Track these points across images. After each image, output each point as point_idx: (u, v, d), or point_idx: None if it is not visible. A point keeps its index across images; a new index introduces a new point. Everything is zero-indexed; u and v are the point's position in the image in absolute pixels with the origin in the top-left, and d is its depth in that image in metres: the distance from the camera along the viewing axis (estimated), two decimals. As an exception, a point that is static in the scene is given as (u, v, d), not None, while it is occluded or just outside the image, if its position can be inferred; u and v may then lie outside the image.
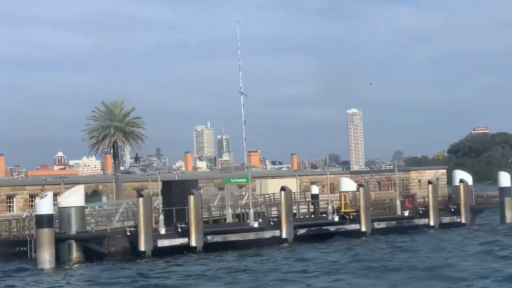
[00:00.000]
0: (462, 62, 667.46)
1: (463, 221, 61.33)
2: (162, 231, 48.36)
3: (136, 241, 46.41)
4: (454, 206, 62.06)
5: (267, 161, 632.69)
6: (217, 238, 49.67)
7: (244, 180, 59.30)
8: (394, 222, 58.20)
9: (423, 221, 59.57)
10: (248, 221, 52.61)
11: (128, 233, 46.88)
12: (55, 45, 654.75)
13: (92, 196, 75.33)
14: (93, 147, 73.80)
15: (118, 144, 74.12)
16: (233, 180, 58.85)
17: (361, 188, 56.42)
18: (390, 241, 51.51)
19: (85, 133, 73.85)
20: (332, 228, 54.92)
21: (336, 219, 55.98)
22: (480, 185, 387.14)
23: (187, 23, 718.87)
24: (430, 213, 59.72)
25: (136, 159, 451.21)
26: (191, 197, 48.91)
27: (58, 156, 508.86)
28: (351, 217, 56.04)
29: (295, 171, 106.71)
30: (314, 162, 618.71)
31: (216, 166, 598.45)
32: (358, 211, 55.99)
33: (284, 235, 51.96)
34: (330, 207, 57.32)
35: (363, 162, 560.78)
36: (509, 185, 65.30)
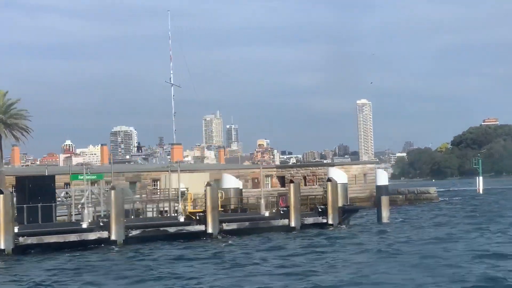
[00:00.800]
0: (474, 53, 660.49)
1: (330, 221, 58.14)
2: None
3: None
4: (322, 206, 58.88)
5: (275, 150, 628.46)
6: (31, 240, 47.10)
7: (94, 177, 56.55)
8: (247, 223, 55.19)
9: (283, 222, 56.46)
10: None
11: None
12: (65, 32, 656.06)
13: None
14: (-25, 139, 71.36)
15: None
16: (81, 177, 55.86)
17: (207, 187, 53.43)
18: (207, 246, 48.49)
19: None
20: (172, 229, 51.91)
21: (182, 219, 53.19)
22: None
23: (197, 11, 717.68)
24: (290, 213, 56.62)
25: (139, 148, 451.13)
26: (0, 196, 46.36)
27: (66, 144, 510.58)
28: (197, 217, 53.21)
29: (223, 165, 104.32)
30: (323, 153, 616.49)
31: (224, 155, 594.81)
32: (205, 212, 53.17)
33: (113, 237, 49.24)
34: (180, 206, 54.57)
35: (372, 152, 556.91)
36: (386, 183, 62.08)
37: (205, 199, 53.24)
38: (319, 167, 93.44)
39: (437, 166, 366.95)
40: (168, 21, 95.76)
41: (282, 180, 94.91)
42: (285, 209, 57.00)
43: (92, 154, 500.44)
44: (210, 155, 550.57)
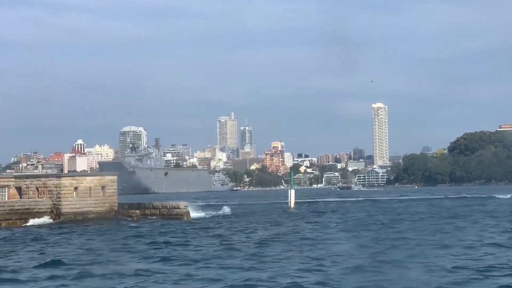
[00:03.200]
0: (495, 58, 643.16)
1: None
2: None
3: None
4: None
5: (289, 153, 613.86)
6: None
7: None
8: None
9: None
10: None
11: None
12: (88, 32, 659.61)
13: None
14: None
15: None
16: None
17: None
18: None
19: None
20: None
21: None
22: (469, 184, 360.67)
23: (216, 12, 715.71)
24: None
25: (133, 148, 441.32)
26: None
27: (78, 144, 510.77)
28: None
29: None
30: (338, 156, 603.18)
31: (238, 157, 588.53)
32: None
33: None
34: None
35: (387, 157, 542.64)
36: None
37: None
38: (50, 178, 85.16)
39: (429, 173, 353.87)
40: None
41: (20, 191, 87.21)
42: None
43: (98, 154, 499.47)
44: (222, 157, 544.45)
